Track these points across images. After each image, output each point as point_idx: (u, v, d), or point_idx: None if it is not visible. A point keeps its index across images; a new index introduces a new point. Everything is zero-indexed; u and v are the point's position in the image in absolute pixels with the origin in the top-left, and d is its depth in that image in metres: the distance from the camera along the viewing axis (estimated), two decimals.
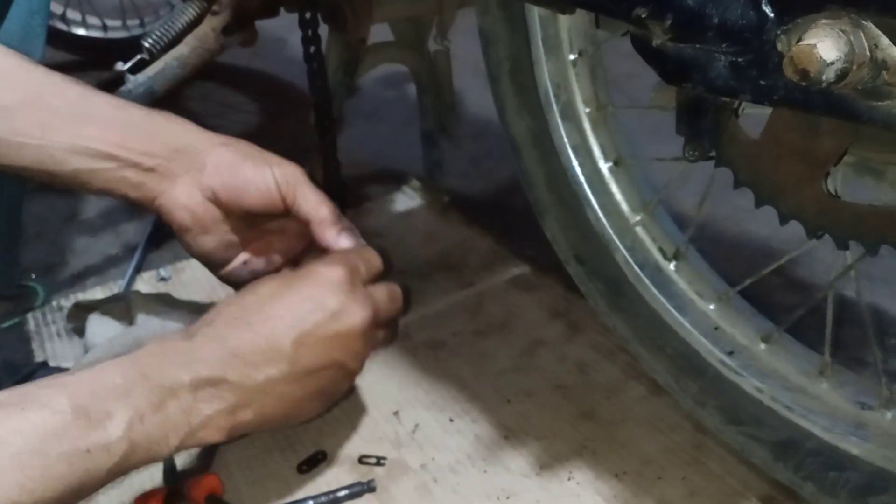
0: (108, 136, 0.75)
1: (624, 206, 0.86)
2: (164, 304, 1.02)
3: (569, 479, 0.84)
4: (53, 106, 0.75)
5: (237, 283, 0.84)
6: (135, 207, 0.82)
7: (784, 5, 0.49)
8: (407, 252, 1.26)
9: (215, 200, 0.79)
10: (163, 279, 1.24)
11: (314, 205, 0.79)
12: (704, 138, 0.61)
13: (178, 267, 1.27)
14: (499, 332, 1.07)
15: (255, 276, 0.81)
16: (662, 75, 0.57)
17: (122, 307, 1.00)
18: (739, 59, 0.53)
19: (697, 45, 0.54)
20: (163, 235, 1.36)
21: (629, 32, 0.59)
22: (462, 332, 1.07)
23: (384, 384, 0.99)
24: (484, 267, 1.21)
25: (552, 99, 0.85)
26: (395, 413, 0.94)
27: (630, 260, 0.84)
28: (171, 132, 0.78)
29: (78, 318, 1.06)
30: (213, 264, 0.84)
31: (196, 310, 0.99)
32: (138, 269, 1.28)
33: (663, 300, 0.82)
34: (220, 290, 1.20)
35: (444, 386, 0.98)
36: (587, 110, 0.87)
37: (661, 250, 0.84)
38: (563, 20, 0.84)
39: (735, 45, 0.52)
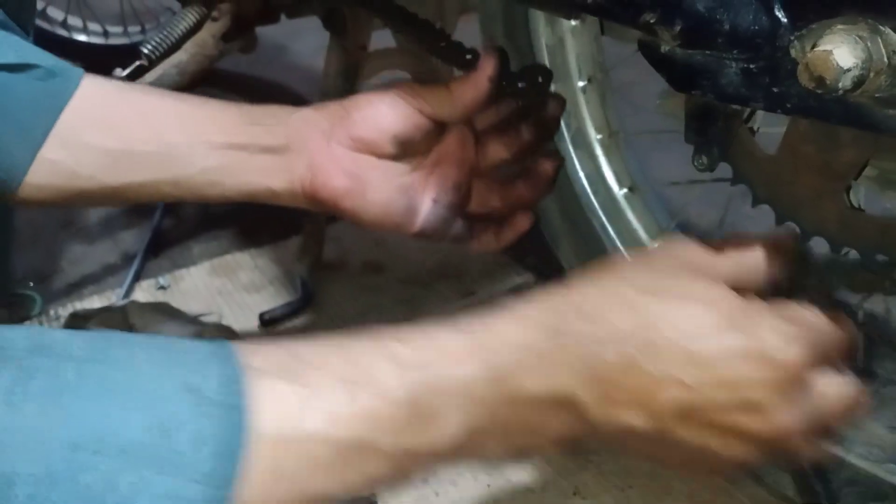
0: (225, 128, 0.69)
1: (641, 234, 0.86)
2: (163, 313, 1.00)
3: (574, 494, 0.83)
4: (160, 111, 0.69)
5: (441, 232, 0.71)
6: (281, 207, 0.73)
7: (798, 10, 0.48)
8: (407, 260, 1.25)
9: (362, 147, 0.69)
10: (162, 288, 1.23)
11: (460, 83, 0.67)
12: (714, 146, 0.60)
13: (177, 275, 1.26)
14: None
15: (457, 211, 0.70)
16: (671, 82, 0.56)
17: (120, 317, 0.99)
18: (751, 66, 0.51)
19: (707, 52, 0.53)
20: (162, 244, 1.35)
21: (637, 39, 0.57)
22: None
23: None
24: (485, 275, 1.20)
25: (563, 127, 0.85)
26: None
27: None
28: (278, 111, 0.71)
29: (75, 327, 1.04)
30: (402, 224, 0.70)
31: (193, 321, 0.98)
32: (137, 278, 1.27)
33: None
34: (220, 299, 1.21)
35: None
36: (599, 137, 0.87)
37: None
38: (571, 47, 0.83)
39: (746, 52, 0.51)
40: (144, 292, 1.23)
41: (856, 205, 0.60)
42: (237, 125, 0.69)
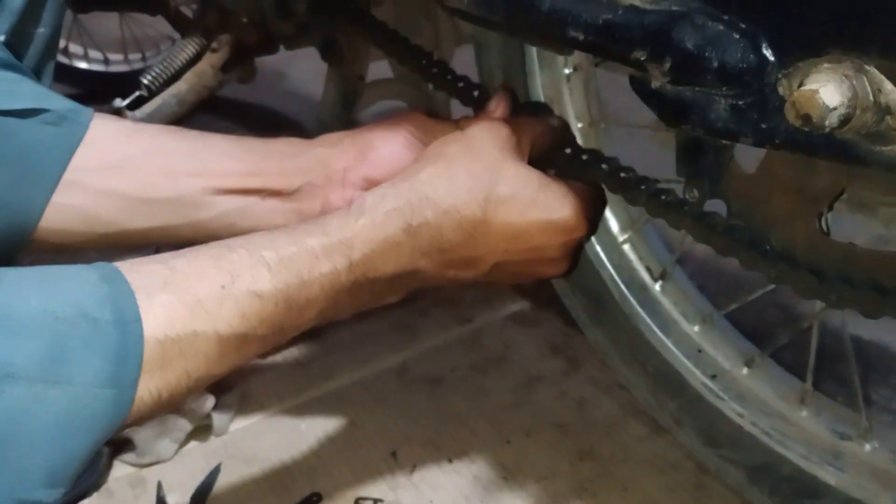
0: (237, 172, 0.70)
1: (612, 223, 0.87)
2: None
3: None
4: (171, 154, 0.70)
5: None
6: None
7: (784, 49, 0.49)
8: None
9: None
10: None
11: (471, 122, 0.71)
12: (704, 179, 0.60)
13: None
14: (497, 367, 1.07)
15: None
16: (661, 117, 0.57)
17: None
18: (739, 102, 0.52)
19: (697, 88, 0.54)
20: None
21: (629, 74, 0.58)
22: (460, 367, 1.07)
23: (381, 422, 0.98)
24: (482, 302, 1.20)
25: None
26: (393, 453, 0.93)
27: (616, 278, 0.85)
28: (289, 149, 0.73)
29: None
30: None
31: None
32: None
33: (647, 319, 0.84)
34: None
35: (442, 424, 0.97)
36: (579, 125, 0.87)
37: (647, 269, 0.86)
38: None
39: (735, 89, 0.52)
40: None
41: (825, 229, 0.60)
42: (249, 168, 0.70)
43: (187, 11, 1.24)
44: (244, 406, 1.01)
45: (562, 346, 1.09)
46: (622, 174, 0.67)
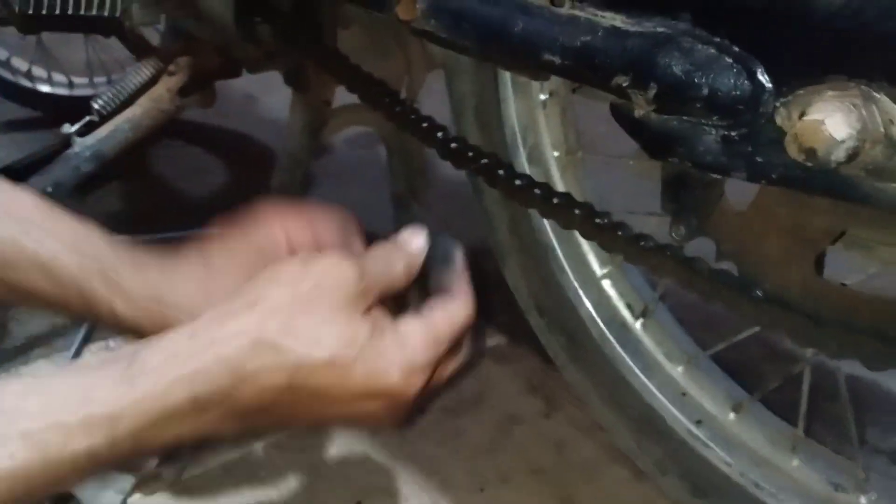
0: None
1: (590, 258, 0.83)
2: None
3: None
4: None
5: None
6: None
7: (783, 74, 0.45)
8: None
9: None
10: (110, 349, 1.17)
11: None
12: (691, 216, 0.56)
13: (128, 339, 1.19)
14: (472, 408, 1.02)
15: None
16: (645, 149, 0.52)
17: None
18: (732, 134, 0.48)
19: (684, 118, 0.49)
20: None
21: (609, 102, 0.54)
22: (431, 408, 1.02)
23: (345, 469, 0.93)
24: None
25: (519, 141, 0.82)
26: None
27: (595, 315, 0.82)
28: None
29: None
30: None
31: None
32: (87, 340, 1.20)
33: (628, 360, 0.81)
34: None
35: (412, 471, 0.92)
36: (556, 154, 0.84)
37: (628, 306, 0.82)
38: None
39: (727, 118, 0.47)
40: (94, 357, 1.16)
41: (822, 273, 0.56)
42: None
43: (144, 33, 1.19)
44: (198, 451, 0.95)
45: (540, 383, 1.05)
46: (597, 220, 0.62)
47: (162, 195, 1.65)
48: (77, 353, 1.15)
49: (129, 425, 0.50)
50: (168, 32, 1.17)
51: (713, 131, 0.48)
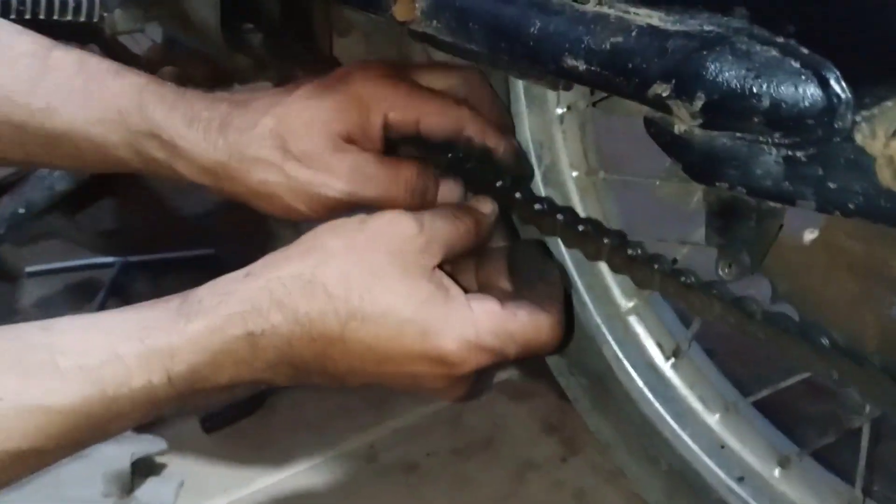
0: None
1: (615, 290, 0.76)
2: None
3: None
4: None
5: None
6: None
7: (866, 83, 0.36)
8: None
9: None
10: None
11: None
12: (742, 252, 0.47)
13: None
14: (482, 451, 0.95)
15: None
16: (688, 171, 0.44)
17: None
18: (798, 154, 0.40)
19: (738, 134, 0.41)
20: None
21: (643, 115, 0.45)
22: (438, 451, 0.96)
23: None
24: None
25: (534, 160, 0.75)
26: None
27: (620, 355, 0.75)
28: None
29: None
30: None
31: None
32: None
33: (658, 406, 0.74)
34: None
35: None
36: (574, 174, 0.76)
37: (658, 345, 0.75)
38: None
39: (792, 136, 0.39)
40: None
41: None
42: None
43: (126, 42, 1.12)
44: (185, 499, 0.90)
45: (557, 423, 0.98)
46: (629, 251, 0.54)
47: (156, 212, 1.59)
48: None
49: (186, 361, 0.50)
50: (165, 41, 1.11)
51: (774, 151, 0.41)
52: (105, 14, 0.99)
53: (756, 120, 0.39)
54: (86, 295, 1.32)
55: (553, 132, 0.75)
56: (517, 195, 0.60)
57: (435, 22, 0.53)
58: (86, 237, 1.52)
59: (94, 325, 0.51)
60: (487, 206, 0.61)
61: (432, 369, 0.54)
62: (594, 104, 0.73)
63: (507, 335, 0.54)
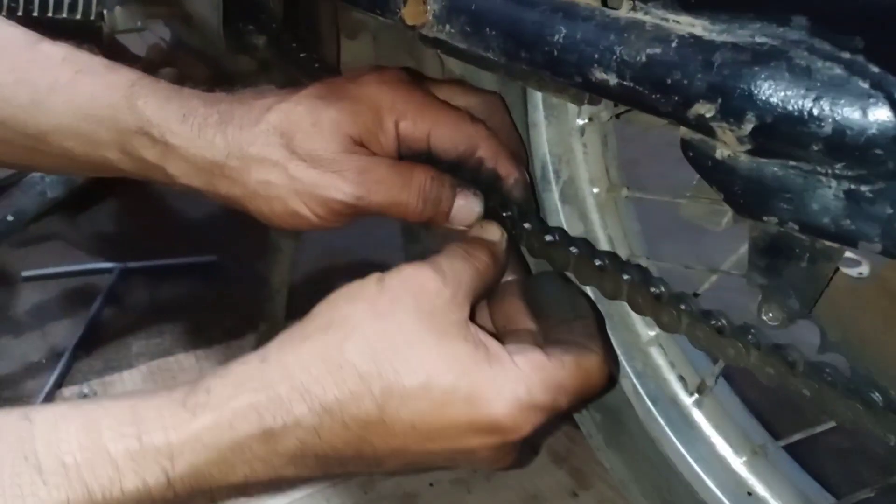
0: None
1: (635, 318, 0.70)
2: None
3: None
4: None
5: None
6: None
7: None
8: None
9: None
10: (85, 396, 1.07)
11: None
12: (792, 296, 0.41)
13: (107, 381, 1.12)
14: (485, 481, 0.91)
15: None
16: (731, 201, 0.39)
17: None
18: (862, 188, 0.35)
19: (792, 163, 0.36)
20: (97, 338, 1.20)
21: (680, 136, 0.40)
22: (440, 480, 0.91)
23: None
24: None
25: (551, 175, 0.70)
26: None
27: (640, 390, 0.70)
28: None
29: None
30: None
31: None
32: (59, 384, 1.11)
33: (679, 446, 0.68)
34: None
35: None
36: (594, 191, 0.71)
37: (680, 379, 0.70)
38: None
39: (857, 167, 0.34)
40: (65, 401, 1.05)
41: None
42: None
43: (125, 41, 1.07)
44: None
45: (565, 453, 0.94)
46: (651, 289, 0.48)
47: (158, 216, 1.55)
48: (48, 397, 1.08)
49: (189, 461, 0.44)
50: (163, 41, 1.07)
51: (834, 184, 0.36)
52: (104, 11, 0.94)
53: (815, 148, 0.34)
54: (83, 301, 1.28)
55: (573, 145, 0.70)
56: (526, 225, 0.55)
57: (448, 26, 0.48)
58: (86, 240, 1.49)
59: (81, 416, 0.45)
60: (496, 234, 0.55)
61: (484, 440, 0.48)
62: (618, 116, 0.69)
63: (559, 387, 0.49)
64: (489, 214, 0.57)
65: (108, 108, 0.56)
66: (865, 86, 0.33)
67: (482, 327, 0.51)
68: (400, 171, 0.55)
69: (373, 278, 0.50)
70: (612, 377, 0.52)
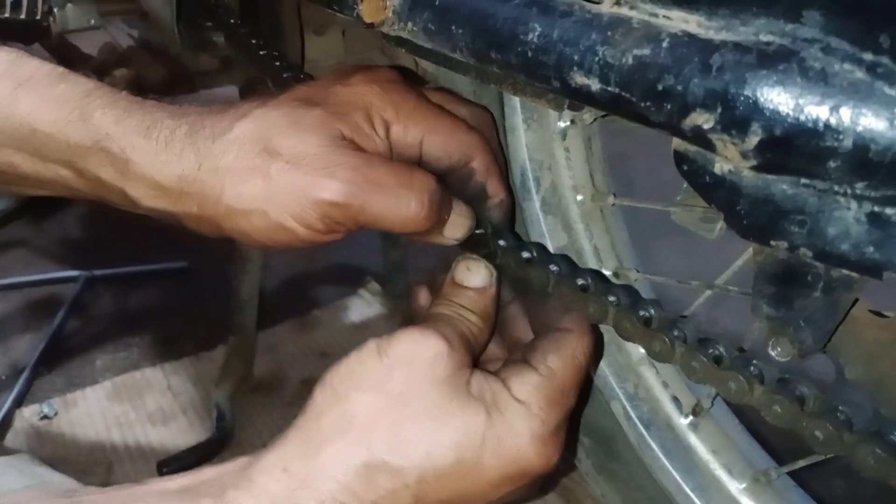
0: None
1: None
2: (18, 472, 0.76)
3: None
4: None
5: None
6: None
7: None
8: None
9: None
10: (46, 417, 1.03)
11: None
12: (804, 329, 0.36)
13: (69, 399, 1.07)
14: None
15: None
16: (733, 222, 0.34)
17: None
18: (888, 211, 0.29)
19: (805, 181, 0.30)
20: (60, 352, 1.15)
21: (673, 148, 0.35)
22: None
23: None
24: None
25: (531, 183, 0.65)
26: None
27: (631, 412, 0.65)
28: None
29: None
30: None
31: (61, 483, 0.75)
32: (19, 402, 1.06)
33: (674, 472, 0.63)
34: (117, 433, 0.98)
35: None
36: (579, 199, 0.66)
37: (675, 402, 0.65)
38: None
39: (882, 187, 0.29)
40: (25, 422, 1.01)
41: None
42: None
43: (74, 40, 1.02)
44: None
45: (555, 472, 0.88)
46: (641, 312, 0.44)
47: (125, 219, 1.49)
48: (7, 417, 1.02)
49: None
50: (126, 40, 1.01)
51: (855, 205, 0.31)
52: (54, 9, 0.89)
53: (832, 164, 0.29)
54: (46, 312, 1.23)
55: (554, 150, 0.65)
56: (501, 242, 0.51)
57: (410, 24, 0.43)
58: (50, 247, 1.43)
59: None
60: (485, 278, 0.52)
61: (520, 482, 0.49)
62: (603, 115, 0.64)
63: (562, 393, 0.50)
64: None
65: (55, 125, 0.50)
66: (892, 92, 0.28)
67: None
68: (400, 170, 0.48)
69: (372, 351, 0.47)
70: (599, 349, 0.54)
